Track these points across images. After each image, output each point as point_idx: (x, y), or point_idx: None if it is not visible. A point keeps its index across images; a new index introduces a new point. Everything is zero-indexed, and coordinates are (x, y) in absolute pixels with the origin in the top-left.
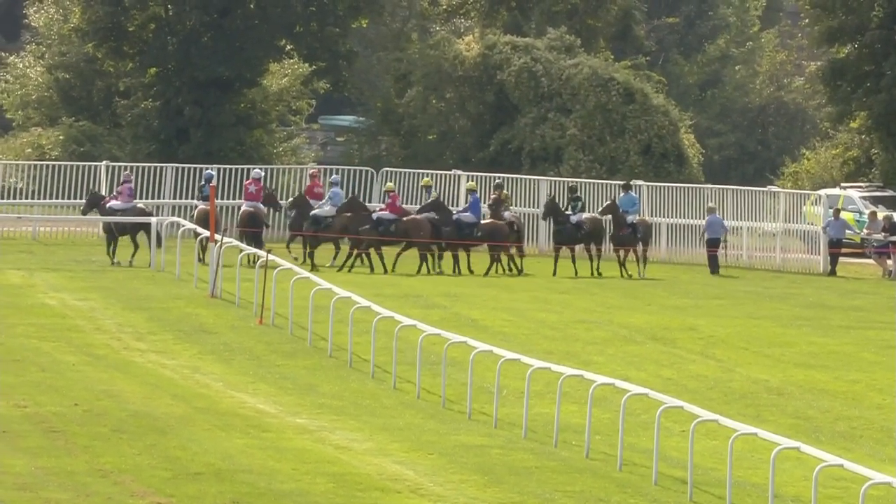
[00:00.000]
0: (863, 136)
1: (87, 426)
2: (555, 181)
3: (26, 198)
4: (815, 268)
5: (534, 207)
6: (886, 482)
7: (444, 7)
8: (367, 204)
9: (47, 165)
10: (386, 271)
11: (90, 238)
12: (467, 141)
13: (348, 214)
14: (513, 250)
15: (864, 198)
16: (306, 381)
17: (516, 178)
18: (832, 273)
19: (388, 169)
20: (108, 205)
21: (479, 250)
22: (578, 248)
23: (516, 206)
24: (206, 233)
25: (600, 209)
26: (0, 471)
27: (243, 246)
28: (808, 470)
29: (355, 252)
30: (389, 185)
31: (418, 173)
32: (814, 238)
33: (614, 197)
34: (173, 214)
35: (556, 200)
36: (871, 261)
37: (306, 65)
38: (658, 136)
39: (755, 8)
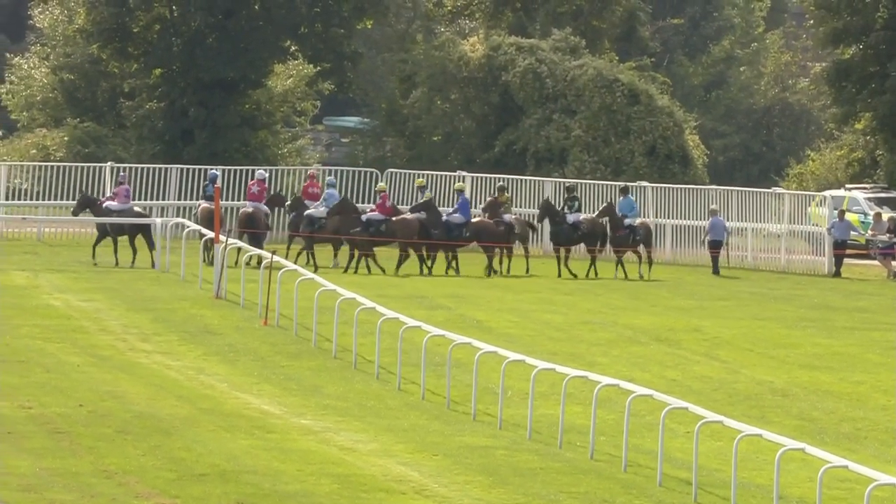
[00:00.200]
0: (868, 138)
1: (91, 427)
2: (559, 182)
3: (31, 199)
4: (819, 269)
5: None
6: (891, 483)
7: (449, 8)
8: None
9: (52, 166)
10: (384, 272)
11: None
12: (472, 142)
13: (339, 217)
14: (519, 250)
15: (868, 199)
16: (311, 382)
17: (521, 180)
18: (837, 274)
19: (392, 170)
20: (104, 205)
21: (471, 250)
22: (582, 249)
23: (521, 207)
24: (210, 233)
25: (597, 212)
26: (5, 472)
27: (247, 247)
28: (812, 471)
29: (356, 254)
30: (381, 185)
31: (423, 174)
32: (818, 239)
33: (611, 199)
34: (178, 215)
35: (552, 201)
36: (875, 262)
37: (311, 66)
38: (663, 138)
39: (760, 9)
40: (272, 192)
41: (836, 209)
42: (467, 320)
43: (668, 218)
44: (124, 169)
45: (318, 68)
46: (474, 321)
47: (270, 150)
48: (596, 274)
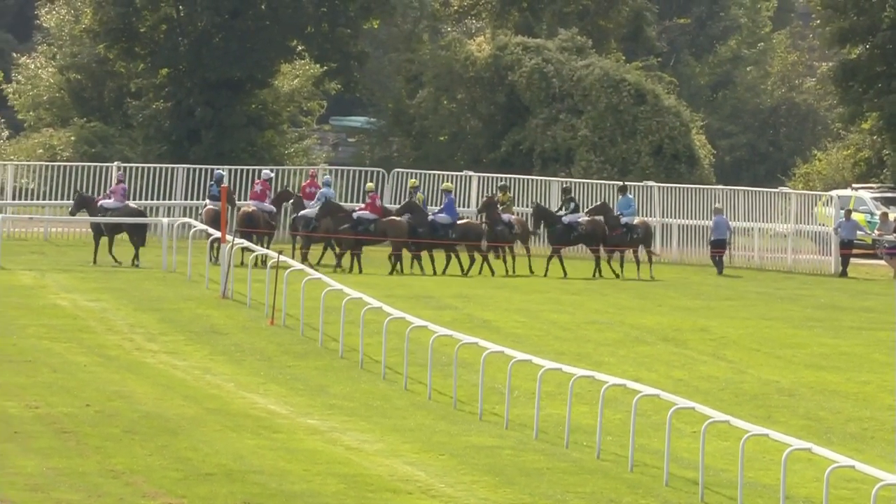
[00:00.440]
0: (874, 137)
1: (98, 427)
2: (571, 182)
3: (38, 199)
4: (826, 269)
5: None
6: None
7: (456, 8)
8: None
9: (59, 166)
10: (360, 272)
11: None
12: (478, 142)
13: (328, 219)
14: (520, 250)
15: (875, 199)
16: (317, 381)
17: (527, 179)
18: (843, 274)
19: (399, 170)
20: (99, 203)
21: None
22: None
23: (527, 207)
24: (216, 233)
25: (590, 208)
26: (12, 471)
27: (254, 246)
28: (819, 471)
29: (348, 252)
30: (370, 185)
31: (429, 174)
32: (825, 239)
33: (605, 198)
34: (185, 215)
35: (559, 201)
36: (882, 262)
37: (317, 66)
38: (669, 137)
39: (766, 9)
40: (280, 190)
41: (842, 209)
42: (474, 320)
43: (675, 218)
44: (122, 168)
45: (325, 68)
46: (481, 321)
47: (277, 149)
48: (600, 274)
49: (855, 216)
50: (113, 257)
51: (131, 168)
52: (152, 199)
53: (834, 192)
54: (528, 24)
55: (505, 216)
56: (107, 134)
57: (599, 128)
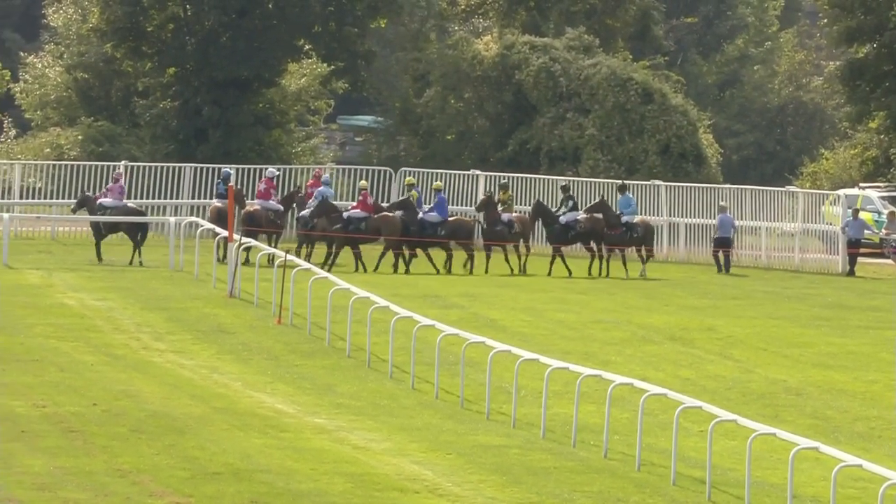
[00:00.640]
0: (881, 136)
1: (105, 426)
2: (573, 181)
3: (45, 198)
4: (833, 268)
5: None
6: None
7: (463, 7)
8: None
9: (66, 165)
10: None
11: (108, 239)
12: (485, 141)
13: (323, 219)
14: (522, 249)
15: (882, 198)
16: (324, 381)
17: (534, 178)
18: (851, 273)
19: (406, 169)
20: (98, 201)
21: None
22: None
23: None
24: (223, 232)
25: (589, 206)
26: (19, 470)
27: (261, 245)
28: (826, 470)
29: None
30: (362, 182)
31: (436, 173)
32: (832, 238)
33: (603, 195)
34: (192, 214)
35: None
36: (889, 261)
37: (325, 65)
38: (676, 136)
39: (774, 8)
40: (290, 190)
41: (849, 208)
42: (481, 319)
43: (682, 217)
44: (119, 166)
45: (332, 67)
46: (488, 320)
47: (284, 148)
48: (608, 273)
49: (862, 215)
50: (99, 256)
51: (138, 167)
52: (159, 199)
53: (841, 192)
54: (535, 23)
55: (505, 215)
56: (114, 133)
57: (606, 127)
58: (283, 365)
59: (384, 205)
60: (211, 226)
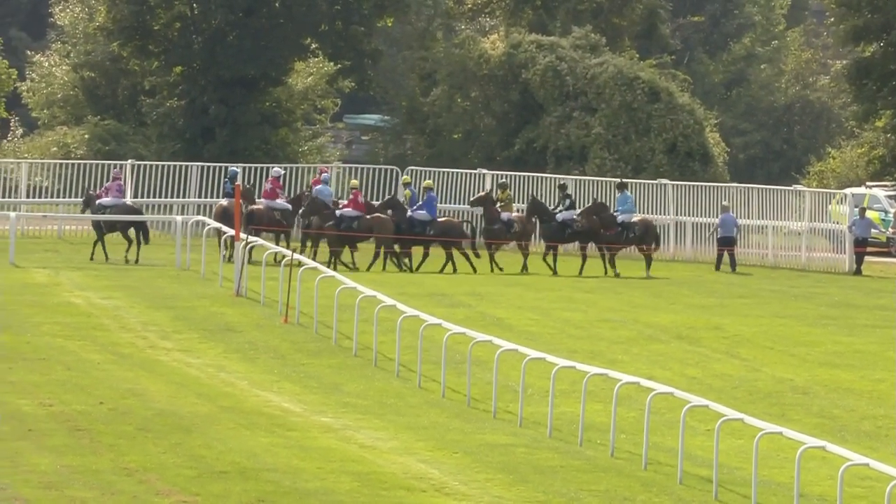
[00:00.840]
0: (888, 135)
1: (112, 425)
2: (579, 180)
3: (52, 196)
4: (840, 267)
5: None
6: None
7: (469, 6)
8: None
9: (73, 164)
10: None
11: (114, 237)
12: (492, 140)
13: (315, 217)
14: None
15: (889, 196)
16: (331, 379)
17: (541, 177)
18: (857, 272)
19: (413, 167)
20: (97, 201)
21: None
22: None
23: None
24: (225, 229)
25: (585, 208)
26: (26, 469)
27: (267, 244)
28: (833, 469)
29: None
30: (353, 182)
31: (443, 172)
32: (839, 237)
33: (597, 196)
34: (199, 213)
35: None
36: None
37: (331, 63)
38: (683, 135)
39: (780, 6)
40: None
41: (856, 207)
42: (487, 318)
43: (689, 216)
44: (119, 166)
45: (339, 66)
46: (494, 319)
47: (291, 147)
48: (616, 273)
49: (869, 214)
50: (102, 254)
51: (145, 166)
52: (166, 197)
53: (848, 190)
54: (541, 22)
55: (505, 214)
56: (121, 132)
57: (613, 126)
58: (290, 364)
59: (375, 203)
60: (218, 224)
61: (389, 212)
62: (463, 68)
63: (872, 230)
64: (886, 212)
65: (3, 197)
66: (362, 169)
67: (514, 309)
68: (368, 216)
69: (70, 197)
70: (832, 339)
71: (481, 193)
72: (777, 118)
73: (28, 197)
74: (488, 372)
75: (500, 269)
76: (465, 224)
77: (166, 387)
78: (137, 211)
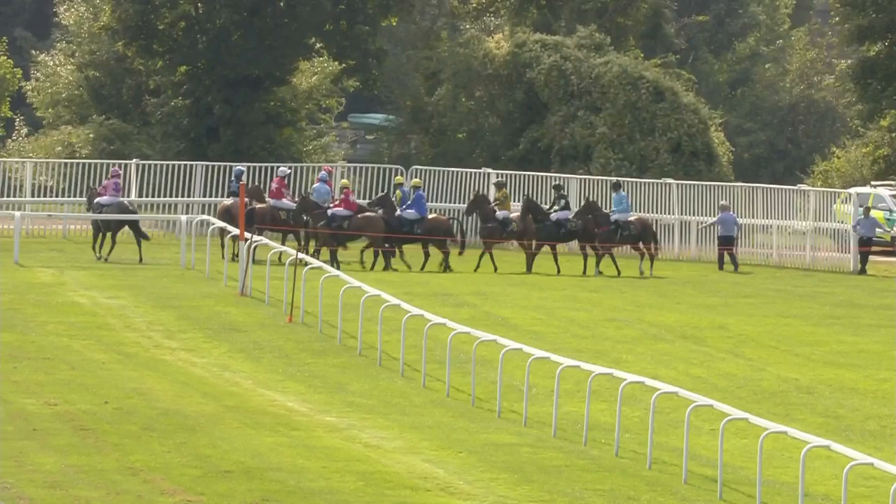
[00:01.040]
0: (893, 135)
1: (117, 424)
2: (584, 179)
3: (56, 196)
4: (845, 266)
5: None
6: None
7: (474, 5)
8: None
9: (77, 164)
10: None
11: (119, 237)
12: (497, 139)
13: (309, 216)
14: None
15: (894, 196)
16: (336, 379)
17: (545, 177)
18: (862, 271)
19: (417, 167)
20: (95, 200)
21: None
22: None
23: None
24: (229, 227)
25: (578, 210)
26: (30, 469)
27: (272, 244)
28: (838, 469)
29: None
30: (344, 181)
31: (448, 171)
32: (844, 236)
33: (588, 196)
34: (203, 213)
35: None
36: None
37: (336, 63)
38: (688, 135)
39: (785, 6)
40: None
41: (861, 206)
42: (492, 317)
43: (693, 215)
44: (116, 164)
45: (343, 65)
46: (499, 318)
47: (295, 147)
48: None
49: (874, 213)
50: (94, 251)
51: (150, 165)
52: (171, 197)
53: (853, 190)
54: (546, 22)
55: (502, 213)
56: (125, 131)
57: (618, 125)
58: (295, 363)
59: (364, 202)
60: (223, 224)
61: (380, 210)
62: (467, 68)
63: (877, 229)
64: (891, 211)
65: (8, 196)
66: (366, 168)
67: (519, 308)
68: (359, 215)
69: (75, 196)
70: (837, 338)
71: (472, 198)
72: (782, 118)
73: (33, 196)
74: (493, 371)
75: (495, 269)
76: (452, 222)
77: (171, 386)
78: (132, 211)
